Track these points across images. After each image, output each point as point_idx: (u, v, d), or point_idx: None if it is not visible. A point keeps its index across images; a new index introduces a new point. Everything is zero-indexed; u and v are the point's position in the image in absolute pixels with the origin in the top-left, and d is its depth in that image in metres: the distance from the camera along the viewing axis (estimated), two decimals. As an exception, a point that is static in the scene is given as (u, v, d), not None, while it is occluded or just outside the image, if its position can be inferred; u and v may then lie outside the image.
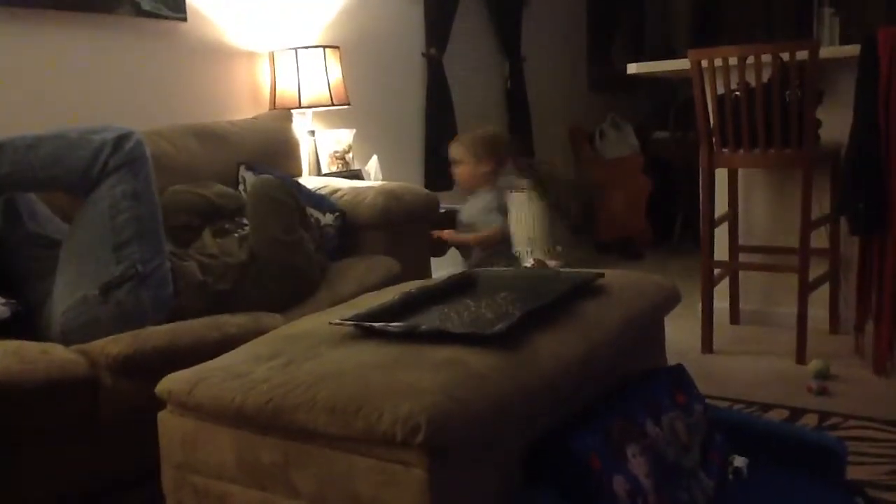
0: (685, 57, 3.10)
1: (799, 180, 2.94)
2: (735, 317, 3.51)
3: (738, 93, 2.94)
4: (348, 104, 3.43)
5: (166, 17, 3.00)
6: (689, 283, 3.26)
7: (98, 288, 1.93)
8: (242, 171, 2.88)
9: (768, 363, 3.01)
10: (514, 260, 2.88)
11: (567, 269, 2.07)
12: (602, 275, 1.70)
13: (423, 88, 4.26)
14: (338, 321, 1.45)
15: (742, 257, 3.41)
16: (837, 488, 1.60)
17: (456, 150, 3.16)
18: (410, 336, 1.37)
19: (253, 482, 1.28)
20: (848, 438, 2.14)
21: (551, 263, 2.75)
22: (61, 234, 2.10)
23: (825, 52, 2.94)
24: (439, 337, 1.35)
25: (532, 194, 2.86)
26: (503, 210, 3.00)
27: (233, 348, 1.49)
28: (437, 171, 4.03)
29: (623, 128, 5.33)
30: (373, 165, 3.54)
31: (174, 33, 3.07)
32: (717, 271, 3.28)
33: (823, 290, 3.21)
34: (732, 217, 3.36)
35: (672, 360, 1.81)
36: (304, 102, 3.29)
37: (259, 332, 1.64)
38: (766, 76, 2.89)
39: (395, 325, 1.41)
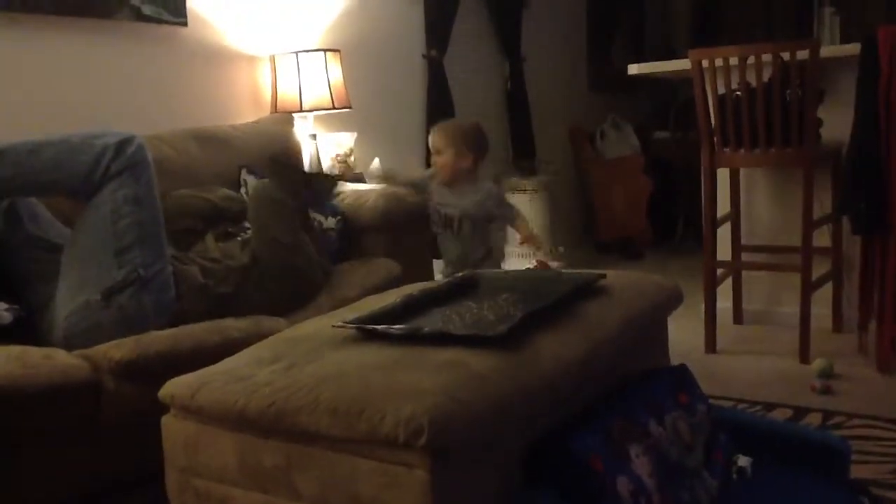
0: (685, 57, 3.10)
1: (800, 179, 2.94)
2: (738, 316, 3.51)
3: (738, 92, 2.94)
4: (349, 107, 3.43)
5: (167, 22, 3.00)
6: (691, 283, 3.25)
7: (100, 293, 1.94)
8: (244, 175, 2.89)
9: (772, 363, 3.00)
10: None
11: (569, 270, 2.07)
12: (604, 276, 1.70)
13: (424, 90, 4.26)
14: (340, 324, 1.45)
15: (744, 257, 3.40)
16: (842, 487, 1.60)
17: (437, 139, 2.86)
18: (413, 338, 1.37)
19: (255, 485, 1.28)
20: (852, 437, 2.14)
21: (553, 264, 2.74)
22: (62, 238, 2.10)
23: (826, 51, 2.94)
24: (441, 339, 1.35)
25: (533, 195, 2.83)
26: (504, 205, 2.92)
27: (235, 352, 1.49)
28: (439, 173, 4.02)
29: (623, 128, 5.33)
30: (375, 168, 3.54)
31: (175, 38, 3.07)
32: (719, 271, 3.28)
33: (826, 289, 3.21)
34: (734, 217, 3.35)
35: (675, 360, 1.80)
36: (305, 106, 3.29)
37: (261, 336, 1.64)
38: (766, 76, 2.89)
39: (397, 328, 1.41)
